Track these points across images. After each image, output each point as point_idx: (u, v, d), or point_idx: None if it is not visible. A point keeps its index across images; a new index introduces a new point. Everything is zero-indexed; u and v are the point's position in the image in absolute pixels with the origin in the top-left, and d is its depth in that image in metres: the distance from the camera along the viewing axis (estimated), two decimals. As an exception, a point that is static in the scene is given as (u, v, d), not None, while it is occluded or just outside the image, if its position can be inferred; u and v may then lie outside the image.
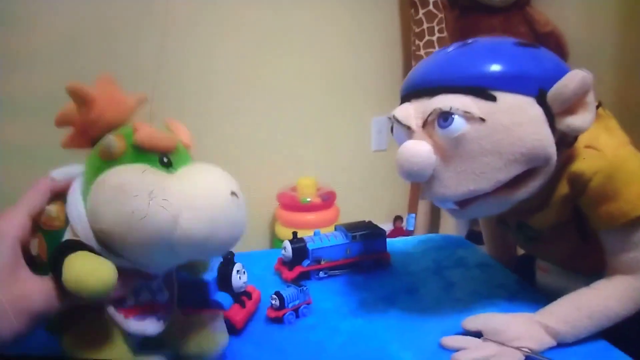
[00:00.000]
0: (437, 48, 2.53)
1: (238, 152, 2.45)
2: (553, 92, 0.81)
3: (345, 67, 2.64)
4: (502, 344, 0.82)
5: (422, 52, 2.57)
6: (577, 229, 0.92)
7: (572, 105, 0.82)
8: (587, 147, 0.87)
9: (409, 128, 0.87)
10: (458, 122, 0.81)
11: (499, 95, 0.81)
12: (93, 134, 0.69)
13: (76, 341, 0.67)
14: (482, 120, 0.80)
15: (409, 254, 1.23)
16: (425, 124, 0.85)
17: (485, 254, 1.23)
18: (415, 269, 1.15)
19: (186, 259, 0.73)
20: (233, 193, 0.67)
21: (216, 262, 0.93)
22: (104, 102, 0.68)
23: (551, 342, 0.84)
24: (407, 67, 2.78)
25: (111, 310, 0.68)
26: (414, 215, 0.91)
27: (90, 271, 0.61)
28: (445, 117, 0.82)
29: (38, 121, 1.71)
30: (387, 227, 2.69)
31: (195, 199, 0.64)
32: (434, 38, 2.55)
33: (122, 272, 0.63)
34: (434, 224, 2.70)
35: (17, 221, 0.66)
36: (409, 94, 0.90)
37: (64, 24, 2.08)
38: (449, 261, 1.19)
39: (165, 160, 0.67)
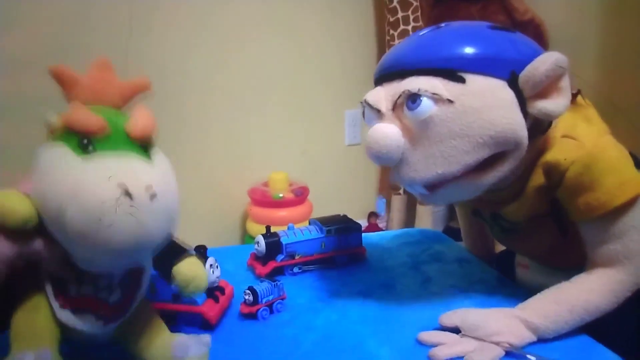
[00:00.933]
0: (412, 39, 2.55)
1: (208, 147, 2.44)
2: (524, 75, 0.83)
3: (317, 58, 2.64)
4: (481, 339, 0.83)
5: (396, 42, 2.58)
6: (555, 222, 0.94)
7: (545, 89, 0.83)
8: (564, 136, 0.88)
9: (378, 111, 0.88)
10: (426, 104, 0.83)
11: (469, 77, 0.83)
12: None
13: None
14: (450, 102, 0.82)
15: (385, 248, 1.25)
16: (394, 107, 0.87)
17: (463, 249, 1.24)
18: (392, 264, 1.16)
19: (92, 257, 0.68)
20: (127, 194, 0.62)
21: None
22: (89, 85, 0.69)
23: (531, 337, 0.84)
24: (381, 57, 2.79)
25: (49, 291, 0.69)
26: (384, 200, 0.92)
27: (10, 199, 0.64)
28: (413, 99, 0.84)
29: (26, 122, 1.71)
30: (362, 223, 2.69)
31: (81, 191, 0.61)
32: (409, 27, 2.56)
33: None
34: (409, 220, 2.71)
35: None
36: (381, 77, 0.92)
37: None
38: (425, 256, 1.20)
39: (85, 142, 0.65)
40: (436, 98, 0.82)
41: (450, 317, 0.89)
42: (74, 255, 0.68)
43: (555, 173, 0.87)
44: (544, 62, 0.82)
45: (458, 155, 0.83)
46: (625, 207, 0.85)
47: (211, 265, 0.93)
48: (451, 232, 1.87)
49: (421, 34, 0.91)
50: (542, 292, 0.89)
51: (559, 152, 0.87)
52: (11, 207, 0.63)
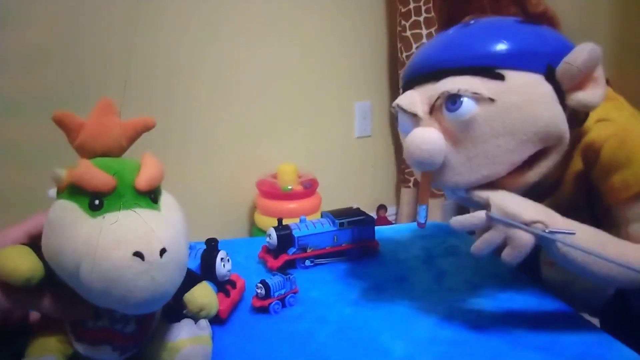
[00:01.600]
0: (424, 29, 2.55)
1: (216, 138, 2.45)
2: (562, 67, 0.83)
3: (327, 48, 2.65)
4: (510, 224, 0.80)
5: (408, 33, 2.58)
6: (589, 215, 0.92)
7: (582, 80, 0.83)
8: (598, 120, 0.89)
9: (415, 115, 0.87)
10: (467, 104, 0.82)
11: (507, 73, 0.83)
12: (85, 157, 0.70)
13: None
14: (492, 100, 0.82)
15: (397, 242, 1.25)
16: (432, 110, 0.86)
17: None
18: (405, 258, 1.17)
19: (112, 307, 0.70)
20: (138, 254, 0.63)
21: (199, 250, 0.94)
22: (90, 129, 0.70)
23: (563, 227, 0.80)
24: (392, 48, 2.79)
25: (67, 327, 0.71)
26: (425, 206, 0.92)
27: (12, 257, 0.65)
28: (453, 100, 0.83)
29: (31, 120, 1.72)
30: (373, 214, 2.70)
31: (95, 251, 0.63)
32: (421, 18, 2.57)
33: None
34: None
35: (12, 237, 0.70)
36: (412, 80, 0.91)
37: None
38: (439, 250, 1.20)
39: (96, 202, 0.66)
40: (477, 97, 0.82)
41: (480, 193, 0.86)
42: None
43: (591, 153, 0.87)
44: (581, 54, 0.82)
45: (503, 155, 0.83)
46: None
47: (222, 258, 0.93)
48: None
49: (450, 32, 0.91)
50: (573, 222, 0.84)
51: (593, 132, 0.88)
52: (12, 267, 0.65)
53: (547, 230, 0.78)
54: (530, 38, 0.86)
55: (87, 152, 0.70)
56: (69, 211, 0.66)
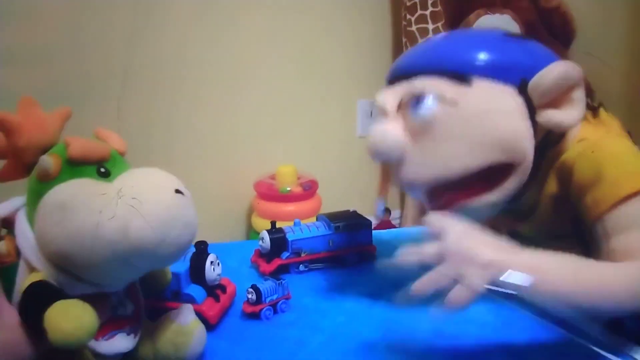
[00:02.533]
0: (430, 23, 2.54)
1: (213, 138, 2.45)
2: (533, 82, 0.86)
3: (329, 44, 2.65)
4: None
5: (413, 27, 2.58)
6: (580, 244, 0.90)
7: (557, 99, 0.86)
8: (580, 140, 0.90)
9: (385, 111, 0.92)
10: (429, 103, 0.86)
11: (476, 80, 0.86)
12: (26, 160, 0.72)
13: None
14: (454, 103, 0.85)
15: (396, 247, 1.24)
16: (400, 107, 0.90)
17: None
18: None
19: (144, 269, 0.76)
20: (178, 191, 0.70)
21: (189, 253, 0.94)
22: (30, 126, 0.72)
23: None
24: (397, 43, 2.78)
25: None
26: (383, 199, 0.94)
27: (75, 326, 0.64)
28: (417, 98, 0.87)
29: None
30: (373, 219, 2.70)
31: (141, 204, 0.67)
32: (427, 12, 2.56)
33: (92, 303, 0.67)
34: (424, 216, 2.71)
35: None
36: (392, 79, 0.95)
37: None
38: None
39: (102, 170, 0.71)
40: (440, 98, 0.86)
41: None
42: (109, 282, 0.73)
43: (564, 174, 0.89)
44: (553, 70, 0.85)
45: (458, 158, 0.86)
46: (634, 200, 0.82)
47: (212, 262, 0.94)
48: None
49: (434, 38, 0.97)
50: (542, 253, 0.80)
51: (569, 153, 0.90)
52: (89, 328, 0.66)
53: (501, 279, 0.73)
54: (507, 50, 0.89)
55: (32, 150, 0.72)
56: (85, 186, 0.69)
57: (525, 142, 0.86)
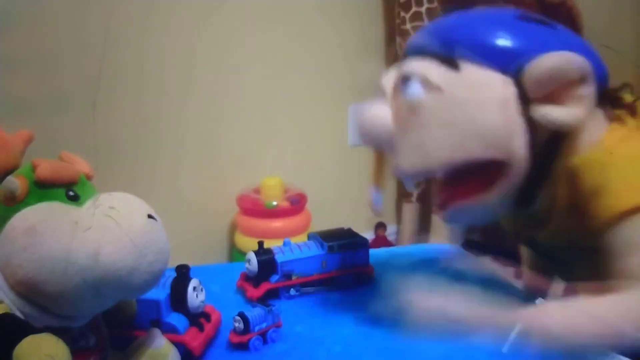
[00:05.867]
0: (425, 21, 2.55)
1: (191, 146, 2.45)
2: (527, 70, 0.85)
3: (316, 45, 2.65)
4: None
5: (408, 25, 2.59)
6: (600, 256, 0.89)
7: (558, 93, 0.85)
8: (599, 142, 0.90)
9: (383, 92, 0.93)
10: (414, 87, 0.87)
11: (465, 65, 0.86)
12: None
13: None
14: (440, 89, 0.86)
15: (395, 267, 1.25)
16: (395, 89, 0.92)
17: (486, 268, 1.24)
18: (404, 286, 1.16)
19: (114, 300, 0.77)
20: (150, 216, 0.72)
21: (169, 278, 0.94)
22: None
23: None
24: (390, 43, 2.79)
25: None
26: (379, 189, 0.97)
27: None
28: (405, 81, 0.88)
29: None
30: (368, 236, 2.70)
31: (113, 229, 0.68)
32: (423, 9, 2.57)
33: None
34: (423, 231, 2.72)
35: None
36: (403, 58, 0.96)
37: None
38: (444, 276, 1.19)
39: (71, 194, 0.72)
40: (425, 83, 0.86)
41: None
42: (76, 313, 0.73)
43: (572, 178, 0.88)
44: (550, 59, 0.83)
45: (442, 149, 0.87)
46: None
47: (194, 287, 0.93)
48: (472, 246, 1.87)
49: (446, 16, 0.97)
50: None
51: (579, 158, 0.89)
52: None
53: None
54: (507, 33, 0.88)
55: None
56: (55, 210, 0.69)
57: (514, 138, 0.85)
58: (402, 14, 2.60)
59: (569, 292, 1.03)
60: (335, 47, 2.70)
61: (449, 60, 0.86)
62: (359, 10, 2.74)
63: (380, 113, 0.91)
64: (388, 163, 0.95)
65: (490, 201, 0.90)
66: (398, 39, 2.65)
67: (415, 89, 0.87)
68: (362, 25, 2.76)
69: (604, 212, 0.84)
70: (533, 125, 0.86)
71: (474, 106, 0.85)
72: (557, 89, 0.84)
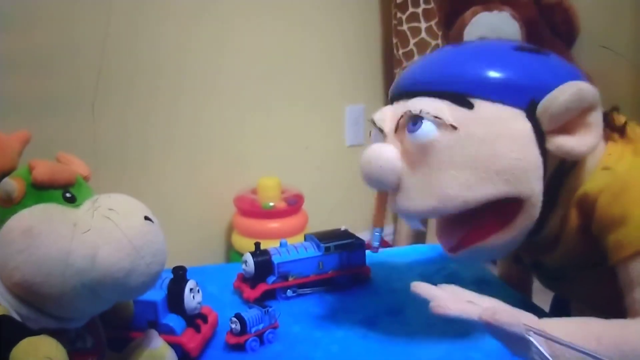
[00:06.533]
0: (422, 22, 2.55)
1: (188, 148, 2.44)
2: (542, 105, 0.84)
3: (313, 45, 2.64)
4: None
5: (404, 26, 2.59)
6: (608, 273, 0.89)
7: (570, 123, 0.84)
8: (604, 168, 0.89)
9: (382, 131, 0.92)
10: (427, 127, 0.85)
11: (478, 103, 0.85)
12: None
13: None
14: (454, 128, 0.84)
15: (392, 268, 1.25)
16: (397, 128, 0.90)
17: (483, 269, 1.25)
18: (400, 286, 1.16)
19: (111, 301, 0.78)
20: (147, 218, 0.73)
21: (166, 279, 0.94)
22: None
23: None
24: (386, 44, 2.79)
25: None
26: (379, 229, 0.96)
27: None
28: (414, 120, 0.86)
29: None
30: (365, 236, 2.70)
31: (111, 231, 0.69)
32: (419, 10, 2.57)
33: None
34: (419, 235, 2.72)
35: None
36: (393, 96, 0.95)
37: None
38: (439, 277, 1.20)
39: (68, 195, 0.73)
40: (438, 122, 0.85)
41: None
42: (73, 315, 0.74)
43: (586, 206, 0.87)
44: (564, 92, 0.82)
45: (458, 189, 0.85)
46: None
47: (191, 289, 0.94)
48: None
49: (440, 51, 0.97)
50: (563, 318, 0.84)
51: (589, 182, 0.88)
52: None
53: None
54: (515, 68, 0.88)
55: None
56: (52, 211, 0.70)
57: (532, 172, 0.84)
58: (399, 14, 2.60)
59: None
60: (332, 47, 2.69)
61: (461, 99, 0.85)
62: (356, 12, 2.74)
63: (387, 154, 0.89)
64: (390, 203, 0.94)
65: (510, 240, 0.89)
66: (395, 40, 2.65)
67: (429, 129, 0.85)
68: (359, 26, 2.75)
69: (628, 244, 0.82)
70: (545, 157, 0.85)
71: (491, 143, 0.84)
72: (570, 119, 0.84)
